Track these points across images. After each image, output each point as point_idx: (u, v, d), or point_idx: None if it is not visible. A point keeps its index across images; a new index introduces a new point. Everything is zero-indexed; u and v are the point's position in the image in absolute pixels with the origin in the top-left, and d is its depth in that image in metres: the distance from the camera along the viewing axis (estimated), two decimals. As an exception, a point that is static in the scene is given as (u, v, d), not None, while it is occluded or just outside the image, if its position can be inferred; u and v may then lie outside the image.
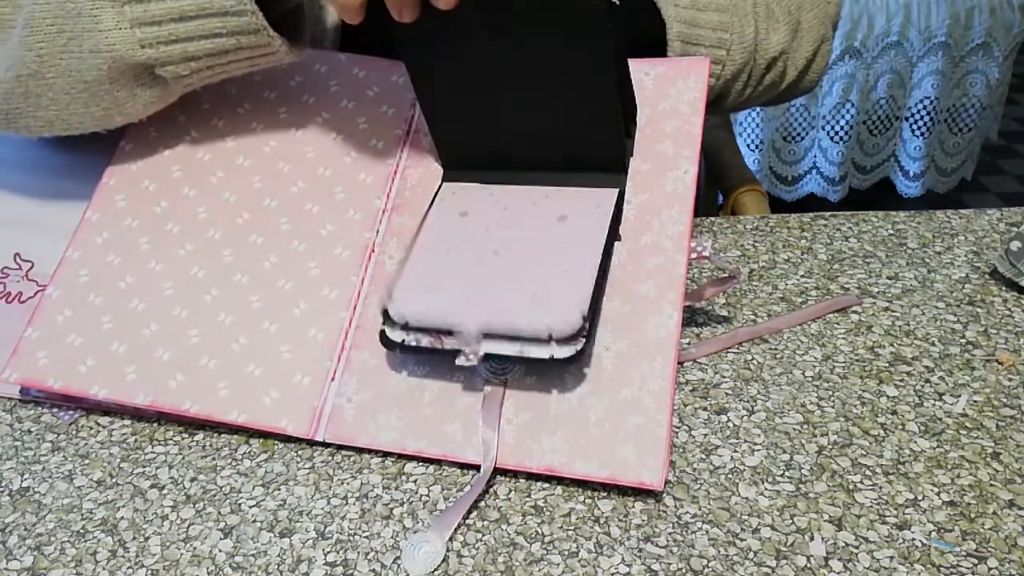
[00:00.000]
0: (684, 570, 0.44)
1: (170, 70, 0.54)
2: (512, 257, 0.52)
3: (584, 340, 0.48)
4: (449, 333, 0.49)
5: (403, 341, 0.50)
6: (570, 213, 0.54)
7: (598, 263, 0.50)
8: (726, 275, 0.58)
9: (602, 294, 0.51)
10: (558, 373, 0.50)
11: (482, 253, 0.53)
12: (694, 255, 0.54)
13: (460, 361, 0.48)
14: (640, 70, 0.59)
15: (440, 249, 0.54)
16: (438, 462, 0.50)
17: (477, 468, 0.50)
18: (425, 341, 0.50)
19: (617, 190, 0.54)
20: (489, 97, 0.54)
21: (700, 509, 0.48)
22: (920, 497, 0.48)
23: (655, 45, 0.68)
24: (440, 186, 0.58)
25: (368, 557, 0.45)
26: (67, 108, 0.56)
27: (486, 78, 0.53)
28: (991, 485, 0.49)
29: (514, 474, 0.50)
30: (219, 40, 0.52)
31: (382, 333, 0.51)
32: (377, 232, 0.57)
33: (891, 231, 0.72)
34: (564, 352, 0.48)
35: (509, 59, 0.51)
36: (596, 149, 0.54)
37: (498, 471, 0.49)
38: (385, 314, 0.51)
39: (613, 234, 0.53)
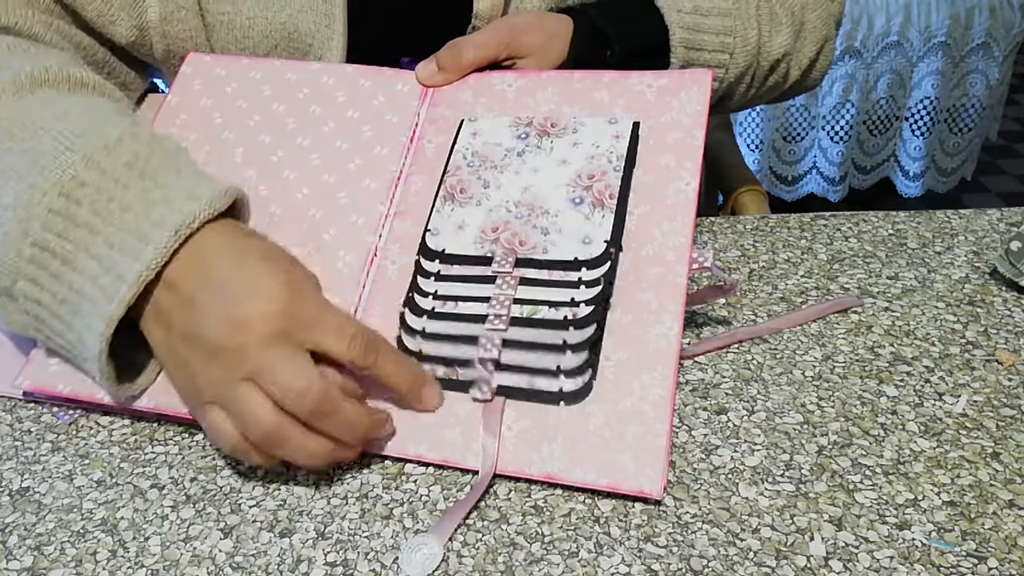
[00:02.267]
0: (684, 570, 0.44)
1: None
2: (537, 194, 0.56)
3: (591, 372, 0.50)
4: (463, 363, 0.51)
5: (420, 351, 0.51)
6: (589, 144, 0.58)
7: (617, 195, 0.55)
8: (724, 285, 0.58)
9: (623, 226, 0.55)
10: (563, 396, 0.51)
11: (508, 193, 0.56)
12: (695, 266, 0.54)
13: (475, 394, 0.50)
14: (643, 82, 0.59)
15: (467, 191, 0.57)
16: (437, 466, 0.50)
17: (477, 472, 0.50)
18: (440, 372, 0.51)
19: (633, 120, 0.58)
20: None
21: (700, 509, 0.48)
22: (920, 497, 0.48)
23: (659, 51, 0.68)
24: (460, 125, 0.60)
25: (368, 557, 0.45)
26: None
27: None
28: (991, 485, 0.49)
29: (512, 477, 0.50)
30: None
31: (399, 340, 0.52)
32: (380, 237, 0.57)
33: (891, 231, 0.72)
34: (572, 385, 0.50)
35: None
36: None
37: (497, 477, 0.49)
38: (401, 318, 0.53)
39: (631, 163, 0.57)
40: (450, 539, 0.46)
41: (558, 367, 0.50)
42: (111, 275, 0.47)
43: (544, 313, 0.51)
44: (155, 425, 0.54)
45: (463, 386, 0.51)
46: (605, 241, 0.53)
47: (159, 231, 0.47)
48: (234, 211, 0.52)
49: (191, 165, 0.52)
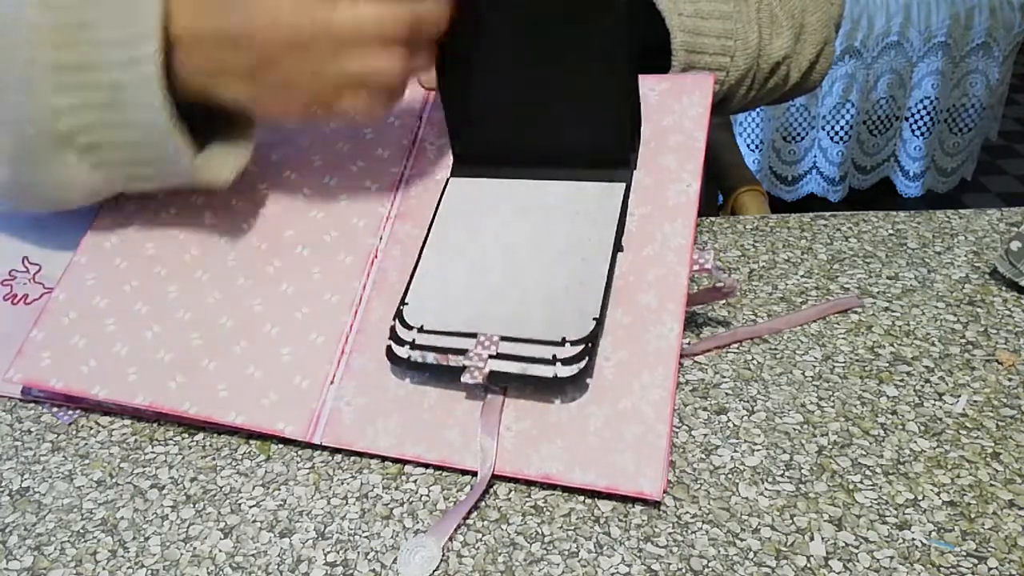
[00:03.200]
0: (684, 570, 0.44)
1: (122, 188, 0.54)
2: (523, 258, 0.53)
3: (587, 359, 0.49)
4: (456, 351, 0.50)
5: (409, 357, 0.51)
6: (578, 208, 0.55)
7: (607, 265, 0.52)
8: (724, 287, 0.58)
9: (609, 295, 0.52)
10: (559, 383, 0.51)
11: (492, 253, 0.54)
12: (696, 267, 0.54)
13: (466, 379, 0.49)
14: (645, 86, 0.59)
15: (451, 250, 0.55)
16: (436, 467, 0.50)
17: (476, 472, 0.50)
18: (431, 358, 0.51)
19: (624, 184, 0.56)
20: (504, 86, 0.55)
21: (700, 509, 0.48)
22: (920, 497, 0.48)
23: (659, 54, 0.68)
24: (447, 182, 0.58)
25: (368, 557, 0.45)
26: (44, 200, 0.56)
27: (503, 66, 0.54)
28: (991, 485, 0.49)
29: (512, 478, 0.50)
30: (168, 180, 0.53)
31: (388, 348, 0.52)
32: (380, 239, 0.57)
33: (891, 231, 0.73)
34: (567, 371, 0.49)
35: (526, 47, 0.53)
36: (604, 143, 0.55)
37: (496, 477, 0.49)
38: (392, 331, 0.52)
39: (620, 231, 0.54)
40: (450, 539, 0.46)
41: (554, 356, 0.49)
42: (129, 47, 0.47)
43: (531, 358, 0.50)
44: (155, 425, 0.54)
45: (455, 372, 0.50)
46: (594, 319, 0.50)
47: None
48: None
49: None
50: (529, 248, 0.54)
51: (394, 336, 0.52)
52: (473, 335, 0.51)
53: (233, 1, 0.47)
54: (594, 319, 0.50)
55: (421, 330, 0.52)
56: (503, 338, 0.51)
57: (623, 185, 0.55)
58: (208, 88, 0.49)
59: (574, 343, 0.50)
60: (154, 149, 0.50)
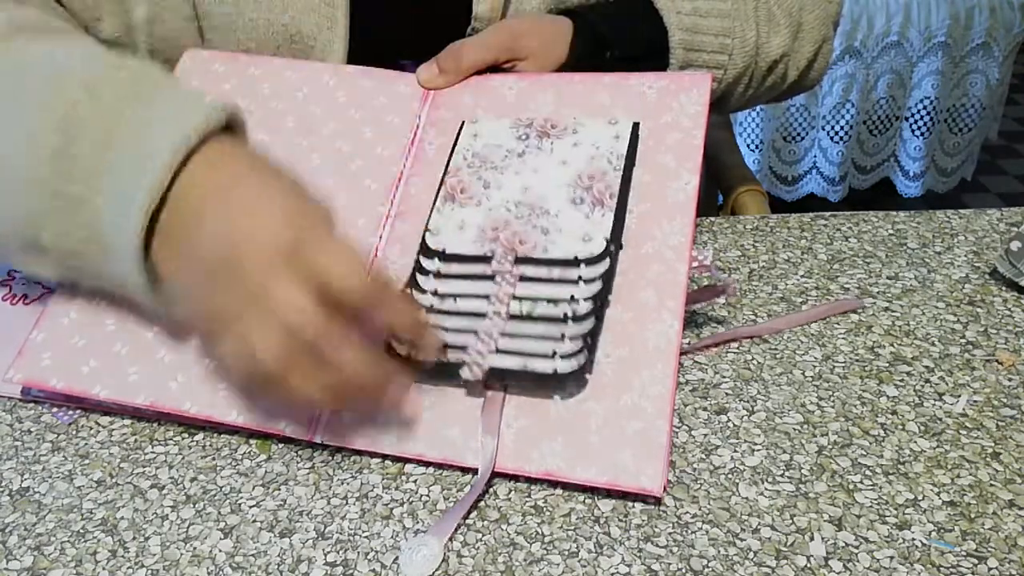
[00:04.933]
0: (684, 570, 0.44)
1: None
2: (537, 195, 0.56)
3: (587, 354, 0.49)
4: (455, 348, 0.50)
5: (411, 354, 0.51)
6: (589, 145, 0.58)
7: (617, 193, 0.55)
8: (720, 285, 0.58)
9: (623, 224, 0.55)
10: (558, 378, 0.51)
11: (508, 193, 0.56)
12: (695, 264, 0.54)
13: (465, 374, 0.50)
14: (643, 84, 0.60)
15: (467, 191, 0.57)
16: (437, 465, 0.50)
17: (477, 470, 0.50)
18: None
19: (633, 121, 0.58)
20: None
21: (700, 509, 0.48)
22: (920, 497, 0.48)
23: (658, 53, 0.68)
24: (461, 127, 0.60)
25: (368, 557, 0.45)
26: None
27: None
28: (991, 485, 0.49)
29: (512, 475, 0.50)
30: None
31: (387, 345, 0.52)
32: (380, 238, 0.57)
33: (891, 231, 0.72)
34: (567, 366, 0.49)
35: None
36: None
37: (497, 474, 0.49)
38: None
39: (631, 163, 0.57)
40: (450, 539, 0.46)
41: (554, 352, 0.50)
42: (121, 203, 0.46)
43: (543, 309, 0.51)
44: (155, 425, 0.54)
45: (454, 368, 0.50)
46: (605, 239, 0.53)
47: (160, 152, 0.46)
48: (234, 131, 0.51)
49: (182, 85, 0.51)
50: (543, 181, 0.57)
51: None
52: (488, 260, 0.54)
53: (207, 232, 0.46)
54: (605, 239, 0.53)
55: (442, 256, 0.54)
56: (518, 259, 0.53)
57: (631, 122, 0.58)
58: (156, 252, 0.48)
59: (573, 340, 0.50)
60: (116, 286, 0.50)
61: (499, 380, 0.50)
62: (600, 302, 0.51)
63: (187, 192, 0.46)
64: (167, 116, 0.47)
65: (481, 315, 0.52)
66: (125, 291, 0.50)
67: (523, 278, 0.53)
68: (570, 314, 0.51)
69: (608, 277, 0.52)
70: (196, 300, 0.47)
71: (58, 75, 0.50)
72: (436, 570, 0.44)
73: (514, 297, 0.52)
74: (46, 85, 0.50)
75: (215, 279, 0.45)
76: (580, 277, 0.52)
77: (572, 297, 0.51)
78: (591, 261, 0.52)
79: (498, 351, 0.50)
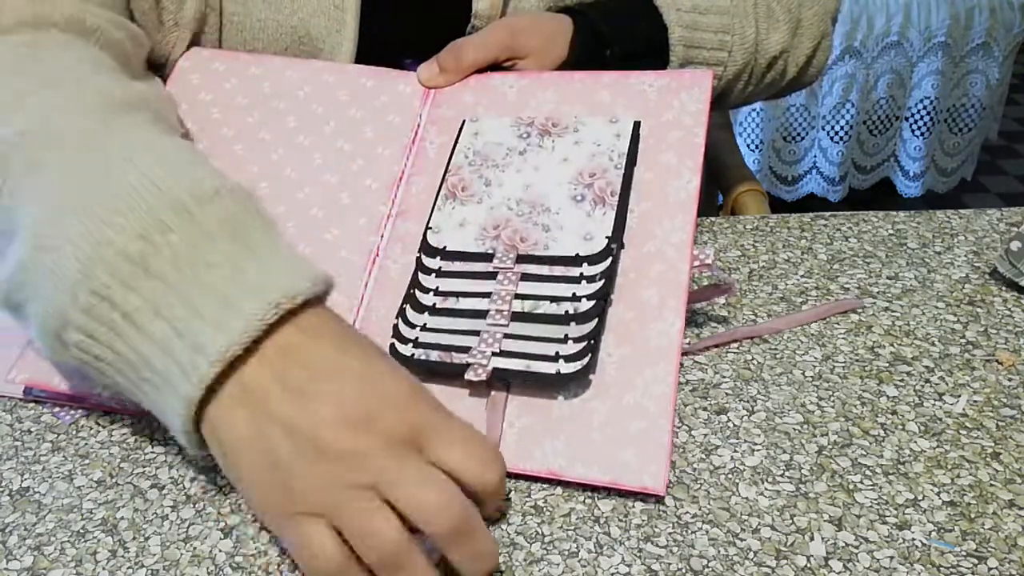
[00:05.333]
0: (684, 570, 0.44)
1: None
2: (539, 192, 0.56)
3: (590, 356, 0.49)
4: (459, 349, 0.50)
5: (412, 355, 0.51)
6: (591, 143, 0.58)
7: (618, 191, 0.55)
8: (722, 285, 0.58)
9: (624, 222, 0.55)
10: (562, 379, 0.51)
11: (509, 191, 0.56)
12: (697, 263, 0.54)
13: (469, 376, 0.50)
14: (644, 82, 0.60)
15: (468, 189, 0.57)
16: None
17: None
18: (435, 356, 0.51)
19: (634, 119, 0.58)
20: None
21: (700, 509, 0.48)
22: (920, 497, 0.48)
23: (658, 50, 0.68)
24: (462, 125, 0.60)
25: (368, 557, 0.45)
26: None
27: None
28: (991, 485, 0.49)
29: (514, 475, 0.50)
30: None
31: (392, 347, 0.52)
32: (382, 237, 0.57)
33: (891, 231, 0.72)
34: (570, 368, 0.49)
35: None
36: None
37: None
38: (395, 328, 0.53)
39: (632, 161, 0.57)
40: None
41: (557, 353, 0.50)
42: (185, 343, 0.39)
43: (545, 308, 0.51)
44: (155, 425, 0.54)
45: (458, 369, 0.50)
46: (606, 237, 0.53)
47: (254, 300, 0.39)
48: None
49: (288, 242, 0.44)
50: (545, 179, 0.57)
51: (397, 334, 0.52)
52: (490, 258, 0.54)
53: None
54: (607, 237, 0.53)
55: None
56: (520, 257, 0.53)
57: (632, 120, 0.58)
58: (221, 400, 0.41)
59: (576, 340, 0.50)
60: (160, 416, 0.43)
61: (502, 380, 0.50)
62: (602, 301, 0.51)
63: (282, 351, 0.40)
64: (270, 268, 0.41)
65: (484, 314, 0.52)
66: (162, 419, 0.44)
67: (525, 276, 0.53)
68: (572, 312, 0.51)
69: (610, 276, 0.52)
70: (274, 476, 0.40)
71: (160, 180, 0.42)
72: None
73: (516, 295, 0.52)
74: (143, 181, 0.42)
75: (323, 457, 0.39)
76: (582, 275, 0.52)
77: (574, 295, 0.51)
78: (593, 259, 0.52)
79: (501, 352, 0.50)
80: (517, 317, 0.51)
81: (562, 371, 0.49)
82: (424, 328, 0.52)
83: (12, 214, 0.45)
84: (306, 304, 0.42)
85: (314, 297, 0.42)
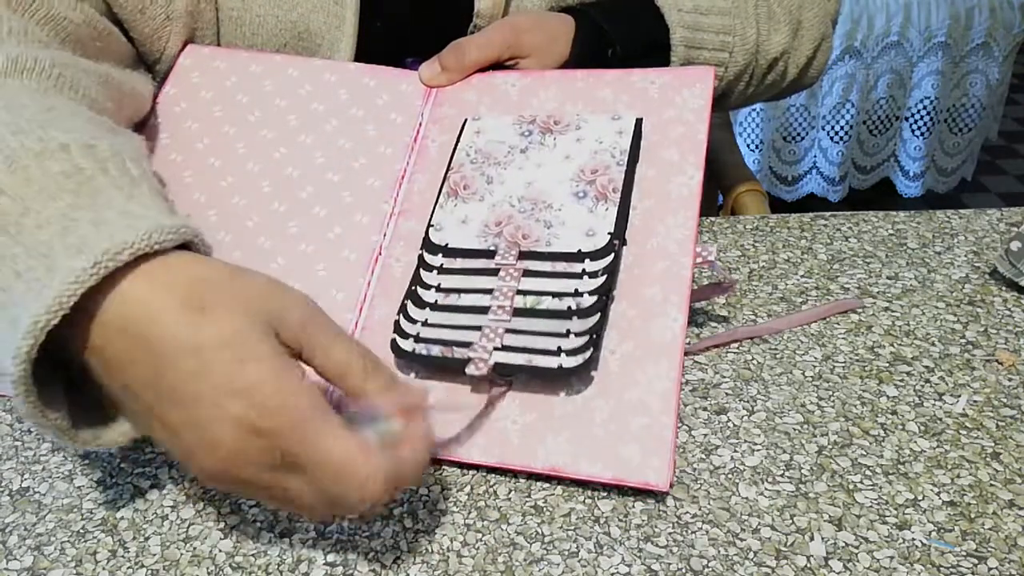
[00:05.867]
0: (684, 570, 0.44)
1: None
2: (540, 189, 0.56)
3: (592, 350, 0.49)
4: (460, 344, 0.50)
5: (414, 350, 0.51)
6: (593, 140, 0.58)
7: (620, 188, 0.55)
8: (723, 283, 0.58)
9: (626, 219, 0.55)
10: (564, 375, 0.51)
11: (511, 188, 0.56)
12: (699, 259, 0.54)
13: (471, 370, 0.49)
14: (646, 79, 0.60)
15: (470, 187, 0.57)
16: (439, 462, 0.50)
17: (478, 468, 0.50)
18: (436, 351, 0.51)
19: (636, 116, 0.58)
20: None
21: (700, 509, 0.48)
22: (920, 497, 0.48)
23: (659, 50, 0.68)
24: (464, 124, 0.60)
25: (368, 557, 0.45)
26: None
27: None
28: (991, 485, 0.49)
29: (515, 474, 0.50)
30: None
31: (393, 342, 0.52)
32: (384, 236, 0.57)
33: (891, 231, 0.72)
34: (572, 362, 0.49)
35: None
36: None
37: (499, 472, 0.49)
38: (396, 324, 0.53)
39: (634, 158, 0.57)
40: (450, 539, 0.46)
41: (559, 348, 0.50)
42: (5, 313, 0.38)
43: (548, 304, 0.51)
44: (155, 425, 0.54)
45: (459, 364, 0.50)
46: (608, 233, 0.53)
47: (75, 259, 0.37)
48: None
49: (153, 195, 0.42)
50: (547, 176, 0.57)
51: (398, 330, 0.52)
52: (491, 255, 0.53)
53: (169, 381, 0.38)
54: (609, 234, 0.53)
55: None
56: (522, 253, 0.53)
57: (634, 117, 0.58)
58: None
59: (579, 335, 0.50)
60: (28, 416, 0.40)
61: (504, 375, 0.50)
62: (604, 297, 0.51)
63: (108, 327, 0.38)
64: (105, 220, 0.39)
65: (485, 310, 0.52)
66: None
67: (527, 272, 0.53)
68: (574, 307, 0.51)
69: (612, 272, 0.52)
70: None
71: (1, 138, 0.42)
72: (436, 571, 0.44)
73: (518, 292, 0.52)
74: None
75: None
76: (584, 271, 0.52)
77: (576, 291, 0.51)
78: (595, 255, 0.52)
79: (503, 347, 0.50)
80: (519, 313, 0.51)
81: (564, 365, 0.49)
82: (425, 324, 0.52)
83: None
84: (148, 258, 0.39)
85: (152, 250, 0.39)
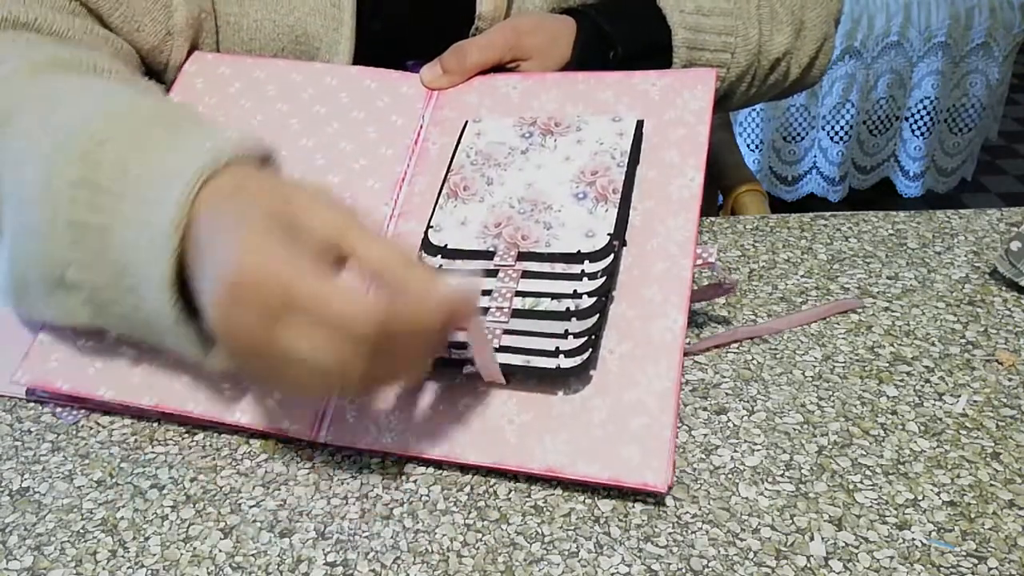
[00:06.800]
0: (684, 570, 0.44)
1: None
2: (540, 190, 0.56)
3: (590, 351, 0.49)
4: (458, 345, 0.50)
5: None
6: (593, 141, 0.58)
7: (620, 189, 0.55)
8: (724, 284, 0.58)
9: (626, 220, 0.54)
10: (562, 374, 0.51)
11: (511, 189, 0.56)
12: (699, 261, 0.54)
13: (468, 370, 0.50)
14: (647, 81, 0.60)
15: (470, 188, 0.57)
16: (438, 463, 0.50)
17: (478, 469, 0.50)
18: None
19: (637, 118, 0.58)
20: None
21: (700, 509, 0.48)
22: (920, 497, 0.48)
23: (661, 52, 0.68)
24: (465, 126, 0.60)
25: (368, 557, 0.45)
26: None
27: None
28: (991, 485, 0.49)
29: (514, 474, 0.50)
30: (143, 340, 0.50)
31: None
32: None
33: (891, 231, 0.72)
34: (570, 363, 0.49)
35: None
36: None
37: (499, 472, 0.49)
38: None
39: (635, 160, 0.57)
40: (450, 539, 0.46)
41: (557, 348, 0.50)
42: (148, 233, 0.44)
43: (546, 305, 0.51)
44: (155, 425, 0.54)
45: (457, 363, 0.50)
46: (608, 234, 0.53)
47: (182, 175, 0.44)
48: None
49: (210, 121, 0.50)
50: (547, 177, 0.57)
51: None
52: (491, 256, 0.53)
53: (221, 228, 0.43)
54: (608, 235, 0.53)
55: (445, 252, 0.53)
56: (521, 254, 0.53)
57: (635, 119, 0.58)
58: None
59: (577, 336, 0.50)
60: (153, 329, 0.48)
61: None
62: (603, 298, 0.51)
63: (207, 218, 0.44)
64: (189, 144, 0.46)
65: (484, 311, 0.52)
66: (162, 340, 0.48)
67: (526, 273, 0.53)
68: (573, 308, 0.51)
69: (611, 272, 0.52)
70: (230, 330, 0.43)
71: (81, 109, 0.49)
72: (436, 571, 0.44)
73: (517, 293, 0.52)
74: (70, 119, 0.48)
75: (238, 304, 0.41)
76: (583, 272, 0.52)
77: (575, 292, 0.51)
78: (594, 256, 0.52)
79: (501, 348, 0.50)
80: (518, 314, 0.51)
81: (562, 366, 0.49)
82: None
83: None
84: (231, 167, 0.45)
85: (238, 157, 0.46)
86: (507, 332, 0.51)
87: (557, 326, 0.50)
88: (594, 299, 0.51)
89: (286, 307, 0.41)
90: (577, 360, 0.49)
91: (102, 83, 0.55)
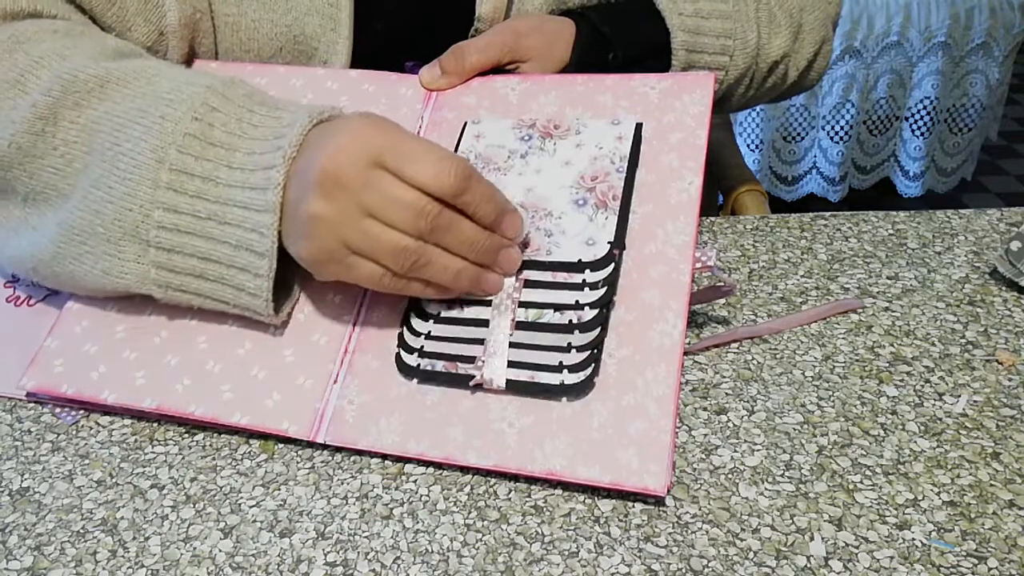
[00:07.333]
0: (684, 570, 0.44)
1: (166, 297, 0.54)
2: (540, 196, 0.56)
3: (593, 365, 0.50)
4: (464, 359, 0.51)
5: (418, 365, 0.52)
6: (592, 145, 0.58)
7: (620, 195, 0.55)
8: (723, 286, 0.58)
9: (626, 226, 0.54)
10: (566, 389, 0.51)
11: (511, 195, 0.55)
12: (699, 264, 0.54)
13: (474, 383, 0.50)
14: (646, 84, 0.60)
15: None
16: (438, 464, 0.50)
17: (478, 470, 0.50)
18: (440, 366, 0.51)
19: (636, 121, 0.58)
20: None
21: (700, 509, 0.48)
22: (920, 497, 0.48)
23: (659, 54, 0.68)
24: (464, 127, 0.60)
25: (368, 557, 0.45)
26: (69, 285, 0.57)
27: None
28: (991, 485, 0.49)
29: (514, 475, 0.50)
30: (223, 304, 0.53)
31: (397, 356, 0.52)
32: None
33: (891, 231, 0.73)
34: (574, 378, 0.49)
35: None
36: None
37: (499, 474, 0.49)
38: (400, 337, 0.53)
39: (634, 164, 0.56)
40: (450, 539, 0.46)
41: (560, 363, 0.50)
42: (259, 173, 0.50)
43: (549, 317, 0.51)
44: (155, 425, 0.54)
45: (463, 380, 0.51)
46: (608, 243, 0.53)
47: (291, 128, 0.51)
48: None
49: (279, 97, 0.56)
50: (547, 182, 0.57)
51: (402, 343, 0.53)
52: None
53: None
54: (608, 243, 0.53)
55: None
56: (523, 263, 0.53)
57: (634, 121, 0.58)
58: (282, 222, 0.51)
59: (580, 350, 0.50)
60: (230, 275, 0.52)
61: (507, 389, 0.50)
62: (605, 309, 0.51)
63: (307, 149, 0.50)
64: (292, 107, 0.53)
65: (487, 322, 0.52)
66: (235, 277, 0.52)
67: (527, 282, 0.53)
68: (576, 321, 0.51)
69: (612, 282, 0.52)
70: (312, 239, 0.49)
71: (189, 79, 0.55)
72: (436, 571, 0.44)
73: (520, 303, 0.52)
74: (178, 83, 0.54)
75: (325, 193, 0.48)
76: (584, 281, 0.52)
77: (577, 303, 0.51)
78: (595, 265, 0.52)
79: (507, 363, 0.50)
80: (521, 326, 0.51)
81: (566, 382, 0.50)
82: (429, 336, 0.52)
83: (69, 159, 0.54)
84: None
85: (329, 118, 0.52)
86: (511, 345, 0.51)
87: (560, 339, 0.50)
88: (596, 311, 0.51)
89: (379, 162, 0.48)
90: (581, 376, 0.50)
91: (180, 67, 0.60)
